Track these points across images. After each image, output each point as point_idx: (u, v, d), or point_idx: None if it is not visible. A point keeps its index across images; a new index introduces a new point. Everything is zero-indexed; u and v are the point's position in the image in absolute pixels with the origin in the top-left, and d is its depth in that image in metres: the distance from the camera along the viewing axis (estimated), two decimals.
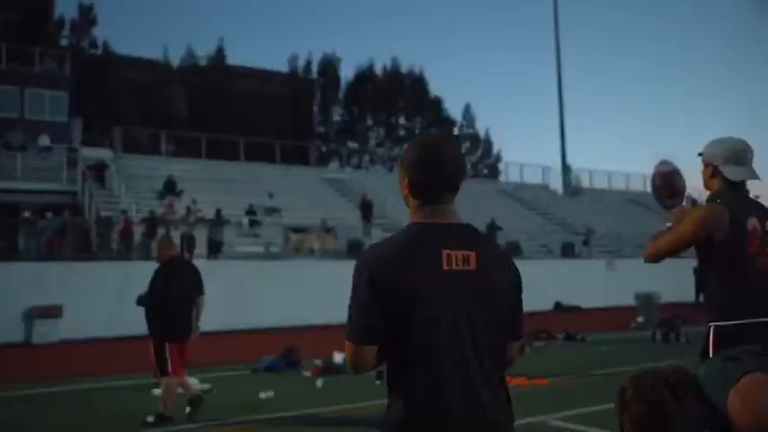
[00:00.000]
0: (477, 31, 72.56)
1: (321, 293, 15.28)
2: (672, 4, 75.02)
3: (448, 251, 1.68)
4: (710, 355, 2.55)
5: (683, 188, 3.06)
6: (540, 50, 70.70)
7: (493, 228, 21.55)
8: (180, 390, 6.55)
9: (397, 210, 24.25)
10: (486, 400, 1.68)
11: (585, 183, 34.16)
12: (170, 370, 6.30)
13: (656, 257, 2.85)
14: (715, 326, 2.59)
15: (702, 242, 2.65)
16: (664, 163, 3.10)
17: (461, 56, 73.78)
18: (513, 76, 73.40)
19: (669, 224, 2.98)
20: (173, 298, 6.39)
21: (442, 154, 1.75)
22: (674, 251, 2.77)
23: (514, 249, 21.87)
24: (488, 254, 1.73)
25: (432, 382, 1.64)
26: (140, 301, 6.56)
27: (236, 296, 15.31)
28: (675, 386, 1.73)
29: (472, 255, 1.69)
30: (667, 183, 3.04)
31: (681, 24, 74.61)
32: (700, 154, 2.86)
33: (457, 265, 1.67)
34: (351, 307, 1.68)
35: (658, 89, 78.08)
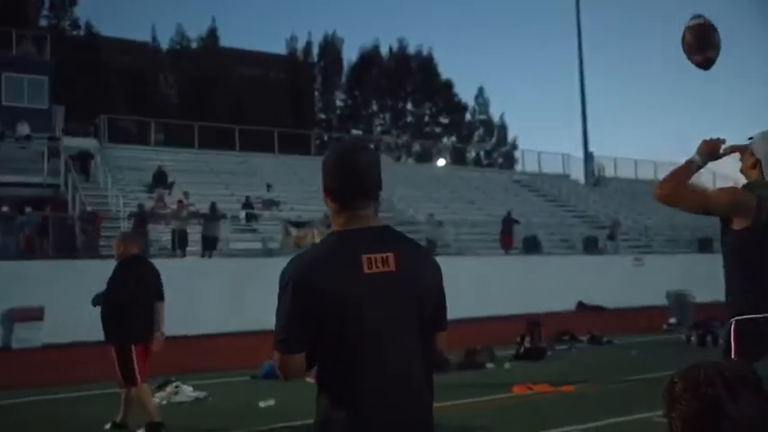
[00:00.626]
0: (491, 10, 72.35)
1: None
2: None
3: (368, 255, 1.85)
4: (732, 354, 2.57)
5: (718, 44, 2.85)
6: (560, 30, 70.42)
7: (509, 221, 21.46)
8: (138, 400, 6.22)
9: (405, 202, 24.20)
10: (417, 395, 1.90)
11: (610, 172, 34.02)
12: (137, 377, 6.06)
13: (669, 201, 2.76)
14: (736, 321, 2.60)
15: (723, 227, 2.67)
16: (696, 17, 2.87)
17: (474, 35, 73.58)
18: (531, 57, 73.22)
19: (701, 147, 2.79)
20: (136, 297, 6.16)
21: (357, 161, 1.93)
22: (689, 206, 2.75)
23: (532, 245, 21.79)
24: (407, 253, 1.92)
25: (362, 380, 1.82)
26: (96, 300, 6.31)
27: (233, 296, 15.30)
28: (733, 381, 1.64)
29: (390, 255, 1.87)
30: (702, 35, 2.81)
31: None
32: (750, 138, 2.83)
33: (377, 267, 1.85)
34: (277, 318, 1.86)
35: (687, 72, 77.43)
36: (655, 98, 76.86)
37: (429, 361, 1.95)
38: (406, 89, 46.92)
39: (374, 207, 1.96)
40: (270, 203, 21.25)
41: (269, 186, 21.99)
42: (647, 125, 77.53)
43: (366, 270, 1.83)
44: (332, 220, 1.99)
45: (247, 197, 20.50)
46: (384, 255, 1.86)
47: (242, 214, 19.92)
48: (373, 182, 1.95)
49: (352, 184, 1.92)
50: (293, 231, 19.19)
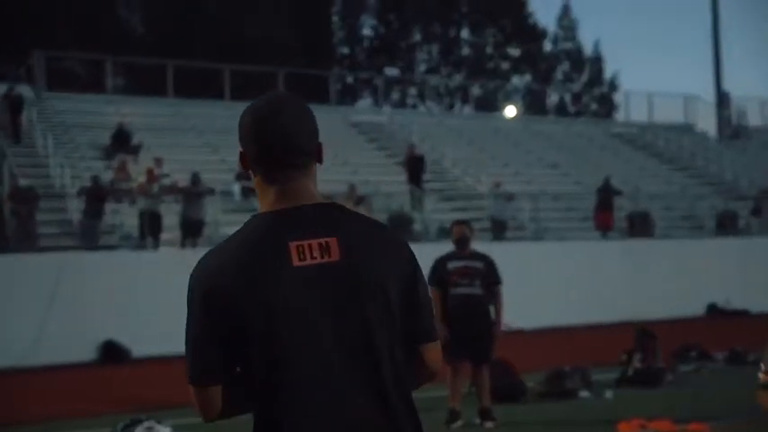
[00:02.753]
0: None
1: None
2: None
3: (298, 242, 1.90)
4: None
5: None
6: None
7: (607, 192, 21.20)
8: None
9: (460, 167, 24.07)
10: (382, 425, 1.91)
11: (754, 119, 33.53)
12: None
13: None
14: None
15: None
16: None
17: None
18: None
19: None
20: None
21: (278, 115, 1.98)
22: None
23: (642, 224, 21.55)
24: (358, 237, 1.96)
25: (302, 417, 1.86)
26: None
27: None
28: None
29: (333, 241, 1.91)
30: None
31: None
32: None
33: (313, 257, 1.90)
34: (186, 339, 1.93)
35: None
36: None
37: (401, 389, 1.95)
38: (461, 10, 46.57)
39: (311, 178, 2.02)
40: None
41: None
42: None
43: (296, 262, 1.89)
44: (259, 199, 2.05)
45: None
46: (323, 240, 1.91)
47: (235, 188, 19.96)
48: (303, 142, 2.00)
49: (273, 146, 1.97)
50: None
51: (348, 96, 40.28)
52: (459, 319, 8.26)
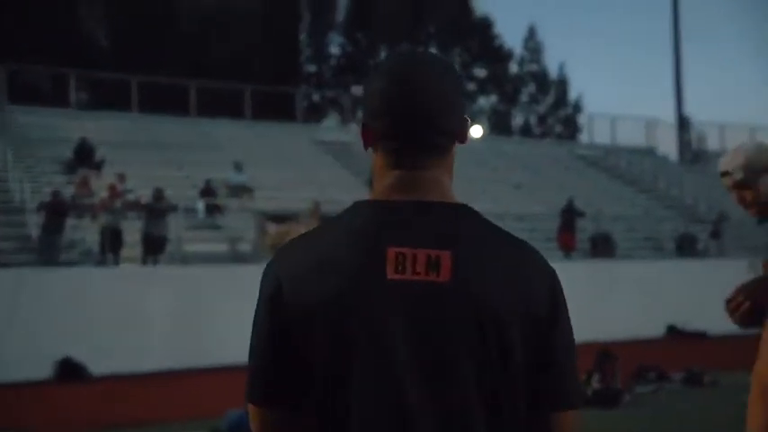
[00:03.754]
0: None
1: None
2: None
3: (399, 249, 1.50)
4: None
5: None
6: None
7: (570, 213, 21.38)
8: None
9: None
10: None
11: (713, 144, 33.92)
12: None
13: None
14: None
15: None
16: None
17: None
18: None
19: None
20: None
21: (421, 80, 1.59)
22: None
23: (603, 245, 21.73)
24: (481, 254, 1.52)
25: None
26: None
27: (188, 319, 15.26)
28: None
29: (445, 256, 1.49)
30: None
31: None
32: None
33: (415, 272, 1.49)
34: (250, 348, 1.61)
35: None
36: None
37: None
38: (428, 30, 46.83)
39: (445, 167, 1.63)
40: (239, 189, 21.21)
41: (238, 166, 21.92)
42: (759, 80, 76.64)
43: (391, 274, 1.48)
44: (374, 182, 1.65)
45: (207, 181, 20.44)
46: (432, 252, 1.49)
47: (200, 205, 19.86)
48: (448, 118, 1.59)
49: (407, 122, 1.57)
50: (271, 228, 19.15)
51: (314, 115, 40.29)
52: None
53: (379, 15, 45.43)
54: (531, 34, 49.99)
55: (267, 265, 1.60)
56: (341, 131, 31.20)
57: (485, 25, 48.13)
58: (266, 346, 1.55)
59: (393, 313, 1.47)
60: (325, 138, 27.90)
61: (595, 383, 11.58)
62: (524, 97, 49.30)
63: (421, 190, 1.56)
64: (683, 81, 32.73)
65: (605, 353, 12.05)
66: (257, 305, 1.59)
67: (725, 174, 3.64)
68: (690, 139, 33.13)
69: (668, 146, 33.02)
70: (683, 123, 32.80)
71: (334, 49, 47.04)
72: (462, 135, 1.65)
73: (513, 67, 49.67)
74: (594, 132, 33.96)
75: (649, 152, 32.44)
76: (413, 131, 1.57)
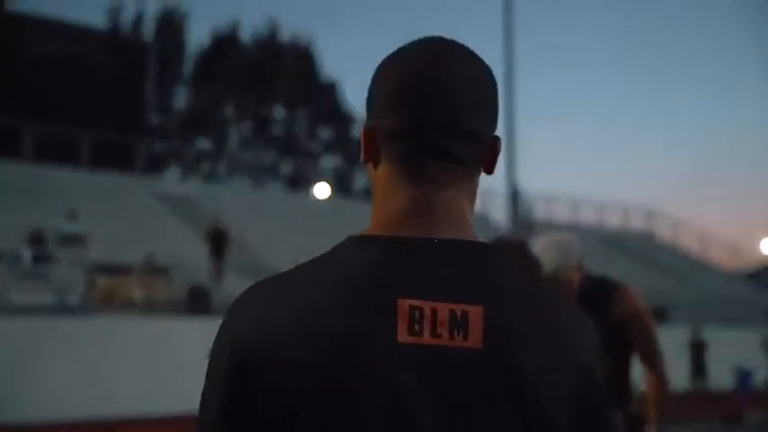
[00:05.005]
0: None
1: (145, 368, 15.00)
2: None
3: (414, 301, 1.10)
4: None
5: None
6: (484, 30, 72.44)
7: None
8: None
9: (266, 243, 23.95)
10: None
11: (542, 214, 35.26)
12: None
13: None
14: None
15: None
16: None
17: (368, 23, 74.98)
18: None
19: None
20: None
21: (445, 76, 1.20)
22: None
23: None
24: (519, 312, 1.14)
25: None
26: None
27: (8, 374, 14.55)
28: None
29: (475, 312, 1.11)
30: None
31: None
32: None
33: (435, 334, 1.09)
34: (197, 421, 1.17)
35: (636, 97, 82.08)
36: (598, 125, 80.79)
37: None
38: (275, 89, 47.01)
39: (468, 192, 1.24)
40: (71, 239, 20.49)
41: (72, 214, 21.18)
42: (588, 158, 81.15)
43: (403, 336, 1.09)
44: (374, 206, 1.27)
45: (37, 229, 19.66)
46: (458, 307, 1.11)
47: (26, 254, 19.04)
48: (479, 124, 1.21)
49: (426, 121, 1.18)
50: (101, 280, 18.58)
51: (156, 166, 39.53)
52: None
53: (227, 71, 45.29)
54: None
55: (223, 324, 1.17)
56: (182, 185, 30.75)
57: (331, 88, 48.71)
58: (217, 425, 1.12)
59: (410, 395, 1.06)
60: (164, 191, 27.40)
61: None
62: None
63: (440, 218, 1.18)
64: (516, 155, 33.99)
65: None
66: (208, 381, 1.16)
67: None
68: (519, 209, 34.38)
69: (500, 214, 34.21)
70: (514, 194, 34.02)
71: (181, 102, 46.43)
72: (492, 156, 1.26)
73: (358, 130, 50.29)
74: None
75: (483, 219, 33.44)
76: (438, 131, 1.18)
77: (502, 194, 33.90)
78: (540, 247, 3.92)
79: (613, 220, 36.29)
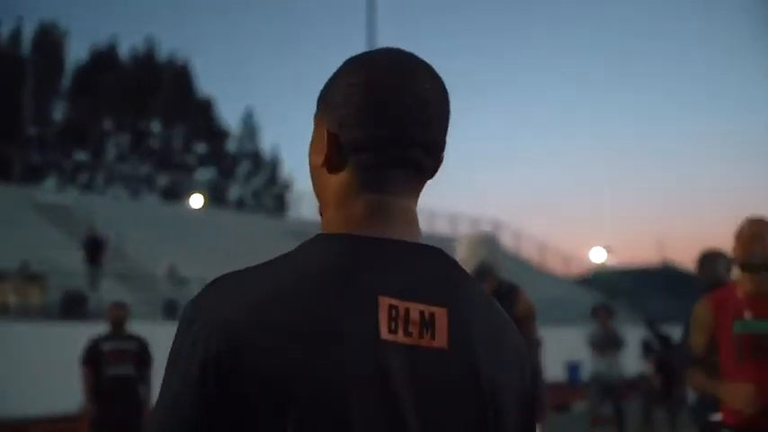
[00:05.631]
0: (266, 18, 73.59)
1: (18, 371, 14.40)
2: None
3: (393, 300, 1.05)
4: None
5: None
6: (352, 49, 72.80)
7: None
8: None
9: (141, 250, 23.22)
10: None
11: (443, 230, 35.73)
12: None
13: None
14: None
15: None
16: None
17: (242, 44, 74.22)
18: (312, 75, 75.16)
19: None
20: None
21: (409, 89, 1.13)
22: None
23: (194, 298, 22.13)
24: (474, 314, 1.13)
25: None
26: None
27: None
28: None
29: (441, 314, 1.08)
30: None
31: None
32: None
33: (406, 331, 1.04)
34: (155, 415, 1.01)
35: (498, 121, 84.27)
36: (455, 143, 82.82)
37: None
38: (152, 105, 45.84)
39: (417, 199, 1.19)
40: None
41: None
42: (442, 174, 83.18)
43: (384, 334, 1.03)
44: (326, 216, 1.18)
45: None
46: (425, 308, 1.07)
47: None
48: (440, 135, 1.16)
49: (391, 134, 1.11)
50: None
51: (33, 176, 37.80)
52: (110, 399, 7.86)
53: (105, 87, 43.83)
54: (249, 117, 50.46)
55: (192, 312, 1.03)
56: (59, 195, 29.51)
57: (206, 105, 47.92)
58: (181, 420, 0.98)
59: (395, 390, 1.02)
60: (42, 200, 26.23)
61: None
62: (240, 173, 49.38)
63: (394, 223, 1.13)
64: None
65: None
66: (174, 373, 1.01)
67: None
68: None
69: None
70: None
71: (59, 114, 44.58)
72: (439, 164, 1.20)
73: (232, 146, 49.72)
74: (301, 209, 34.71)
75: None
76: (408, 145, 1.12)
77: None
78: (467, 241, 3.99)
79: (464, 230, 37.04)
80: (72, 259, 20.60)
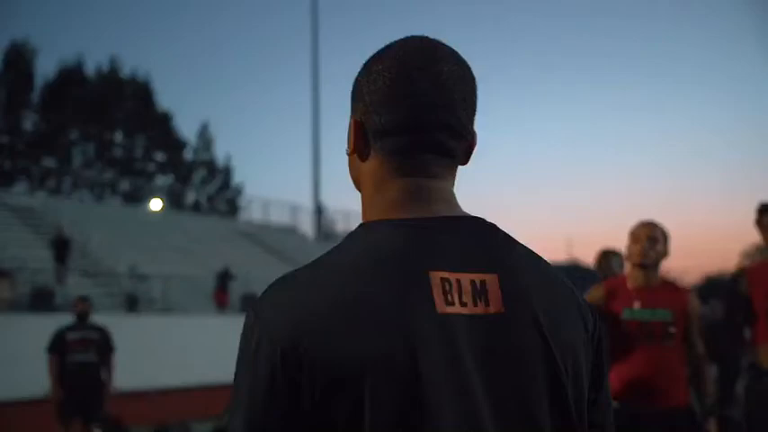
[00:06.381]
0: (219, 30, 72.94)
1: None
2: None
3: (444, 273, 1.00)
4: None
5: None
6: (297, 69, 73.07)
7: (225, 276, 21.55)
8: None
9: (104, 249, 23.01)
10: None
11: (341, 226, 35.75)
12: None
13: None
14: None
15: None
16: None
17: (200, 64, 73.48)
18: (264, 96, 74.87)
19: None
20: None
21: (439, 69, 1.07)
22: None
23: (251, 302, 22.01)
24: (528, 275, 1.06)
25: None
26: None
27: None
28: None
29: (492, 280, 1.02)
30: None
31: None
32: None
33: (462, 302, 1.00)
34: (234, 409, 0.98)
35: None
36: None
37: None
38: (116, 117, 45.13)
39: (453, 180, 1.12)
40: None
41: None
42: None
43: (441, 307, 0.99)
44: (366, 203, 1.13)
45: None
46: (476, 276, 1.02)
47: None
48: (466, 118, 1.10)
49: (420, 118, 1.06)
50: None
51: (5, 181, 36.94)
52: (74, 383, 7.94)
53: (72, 100, 43.03)
54: (205, 129, 50.03)
55: (258, 311, 1.01)
56: (29, 197, 28.94)
57: (165, 118, 47.34)
58: (257, 412, 0.94)
59: (459, 361, 0.96)
60: (13, 202, 25.73)
61: None
62: (197, 179, 48.89)
63: (434, 202, 1.07)
64: (320, 175, 34.44)
65: None
66: (245, 358, 0.99)
67: None
68: (323, 222, 34.73)
69: (307, 226, 34.42)
70: (318, 209, 34.39)
71: (29, 125, 43.57)
72: (471, 149, 1.14)
73: (189, 155, 49.22)
74: (253, 212, 34.61)
75: (292, 230, 33.55)
76: (431, 127, 1.06)
77: (308, 209, 34.34)
78: None
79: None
80: (40, 257, 20.32)
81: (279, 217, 33.54)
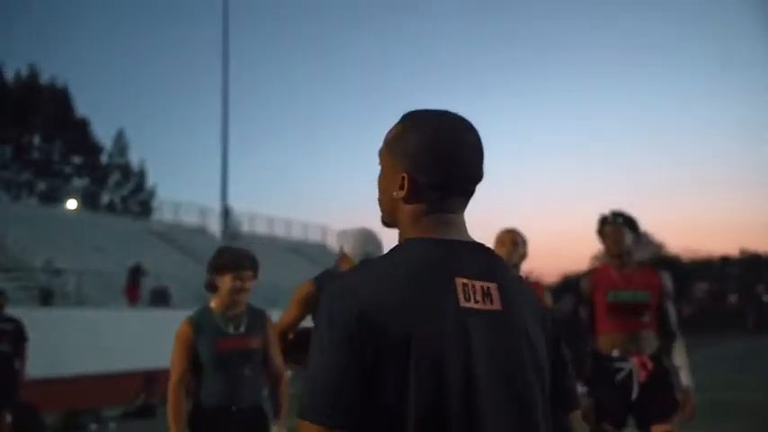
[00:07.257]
0: (135, 42, 70.30)
1: None
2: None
3: (464, 279, 1.27)
4: None
5: None
6: (207, 78, 71.07)
7: (137, 272, 20.82)
8: None
9: (20, 245, 21.77)
10: None
11: (247, 227, 35.19)
12: None
13: None
14: None
15: None
16: None
17: (116, 72, 70.54)
18: (176, 102, 72.58)
19: None
20: None
21: (465, 145, 1.35)
22: None
23: (161, 297, 21.37)
24: (512, 287, 1.33)
25: None
26: None
27: None
28: None
29: (493, 287, 1.29)
30: None
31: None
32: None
33: (476, 300, 1.26)
34: (315, 372, 1.19)
35: (351, 135, 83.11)
36: (302, 156, 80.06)
37: None
38: (34, 122, 42.72)
39: (464, 211, 1.41)
40: None
41: None
42: (293, 184, 79.85)
43: (462, 302, 1.25)
44: (404, 227, 1.36)
45: None
46: (484, 284, 1.29)
47: None
48: (479, 176, 1.38)
49: (455, 175, 1.33)
50: None
51: None
52: None
53: None
54: (121, 135, 48.16)
55: (333, 294, 1.24)
56: None
57: (83, 124, 45.25)
58: (338, 371, 1.17)
59: (473, 341, 1.23)
60: None
61: (140, 401, 11.37)
62: (112, 182, 46.95)
63: (454, 230, 1.34)
64: (228, 179, 33.62)
65: (150, 377, 11.91)
66: (324, 332, 1.20)
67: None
68: (229, 223, 34.15)
69: (215, 227, 33.74)
70: (226, 211, 33.78)
71: None
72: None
73: (104, 159, 47.22)
74: (164, 213, 33.62)
75: (202, 231, 32.79)
76: (464, 182, 1.35)
77: (216, 211, 33.65)
78: (355, 236, 3.75)
79: (297, 234, 37.19)
80: None
81: (189, 218, 32.75)
